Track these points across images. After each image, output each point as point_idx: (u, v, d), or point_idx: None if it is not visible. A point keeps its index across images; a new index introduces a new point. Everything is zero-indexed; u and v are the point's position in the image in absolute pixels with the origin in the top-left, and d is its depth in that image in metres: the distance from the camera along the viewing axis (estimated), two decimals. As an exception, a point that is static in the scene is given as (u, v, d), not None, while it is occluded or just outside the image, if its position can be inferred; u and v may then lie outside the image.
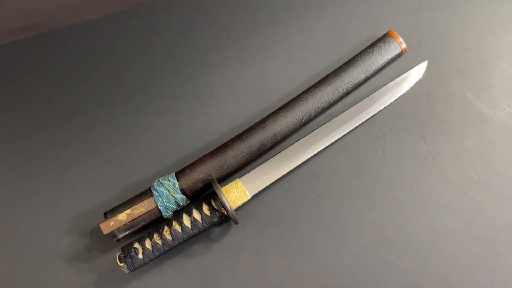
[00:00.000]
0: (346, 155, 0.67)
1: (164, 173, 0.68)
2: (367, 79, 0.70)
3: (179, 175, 0.66)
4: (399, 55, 0.71)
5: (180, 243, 0.62)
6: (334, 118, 0.68)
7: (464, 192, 0.63)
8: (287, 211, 0.65)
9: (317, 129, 0.67)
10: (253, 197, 0.64)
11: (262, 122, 0.68)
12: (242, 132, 0.68)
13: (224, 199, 0.61)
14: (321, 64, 0.73)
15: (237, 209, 0.65)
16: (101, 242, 0.66)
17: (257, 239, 0.65)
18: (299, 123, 0.68)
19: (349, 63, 0.70)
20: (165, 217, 0.65)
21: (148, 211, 0.65)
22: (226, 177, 0.68)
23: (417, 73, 0.70)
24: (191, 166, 0.67)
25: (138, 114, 0.74)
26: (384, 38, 0.71)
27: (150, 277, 0.63)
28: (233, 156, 0.67)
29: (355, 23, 0.75)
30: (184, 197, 0.65)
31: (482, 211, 0.62)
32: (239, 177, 0.65)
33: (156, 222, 0.65)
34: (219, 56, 0.77)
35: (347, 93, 0.70)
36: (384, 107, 0.68)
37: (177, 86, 0.75)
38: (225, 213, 0.61)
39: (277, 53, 0.75)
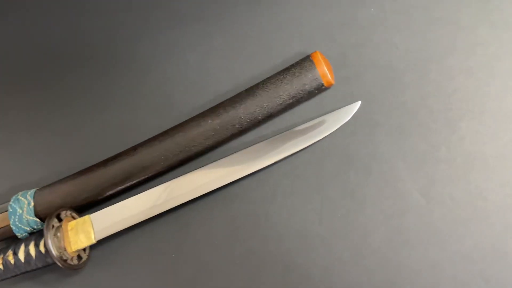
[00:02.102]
0: (223, 212, 0.52)
1: (40, 184, 0.60)
2: (269, 116, 0.52)
3: (39, 192, 0.57)
4: (320, 88, 0.50)
5: (12, 276, 0.54)
6: (217, 161, 0.52)
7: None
8: (140, 264, 0.54)
9: (195, 171, 0.53)
10: (109, 238, 0.53)
11: (133, 149, 0.56)
12: (110, 157, 0.56)
13: (49, 243, 0.51)
14: (232, 82, 0.57)
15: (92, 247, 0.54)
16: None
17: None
18: (174, 158, 0.54)
19: (249, 91, 0.53)
20: (19, 237, 0.57)
21: (2, 227, 0.58)
22: (88, 207, 0.57)
23: (339, 118, 0.50)
24: (52, 186, 0.58)
25: (36, 110, 0.65)
26: (303, 62, 0.51)
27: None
28: (95, 184, 0.56)
29: (288, 31, 0.56)
30: (39, 220, 0.56)
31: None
32: (95, 212, 0.54)
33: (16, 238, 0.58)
34: (130, 52, 0.63)
35: (242, 131, 0.53)
36: (283, 158, 0.50)
37: (85, 82, 0.64)
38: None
39: (190, 58, 0.60)
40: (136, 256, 0.55)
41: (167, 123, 0.57)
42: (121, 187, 0.56)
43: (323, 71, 0.50)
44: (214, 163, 0.53)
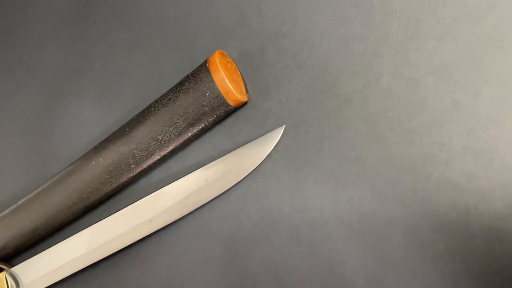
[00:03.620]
0: (132, 273, 0.40)
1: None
2: (170, 152, 0.37)
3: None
4: (226, 110, 0.34)
5: None
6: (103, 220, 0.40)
7: None
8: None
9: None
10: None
11: (35, 196, 0.45)
12: (15, 206, 0.47)
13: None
14: (131, 99, 0.42)
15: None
16: None
17: None
18: (75, 207, 0.43)
19: (140, 118, 0.38)
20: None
21: None
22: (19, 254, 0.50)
23: (255, 153, 0.34)
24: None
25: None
26: (198, 73, 0.34)
27: None
28: (7, 235, 0.47)
29: (193, 20, 0.38)
30: (-30, 269, 0.50)
31: None
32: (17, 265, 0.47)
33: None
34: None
35: (142, 172, 0.39)
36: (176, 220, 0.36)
37: None
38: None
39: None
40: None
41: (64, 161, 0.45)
42: (34, 239, 0.47)
43: (224, 85, 0.33)
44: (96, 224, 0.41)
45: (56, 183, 0.44)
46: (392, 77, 0.28)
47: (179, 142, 0.37)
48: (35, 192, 0.46)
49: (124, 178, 0.40)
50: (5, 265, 0.50)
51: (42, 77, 0.50)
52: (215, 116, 0.35)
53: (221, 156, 0.36)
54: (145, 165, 0.38)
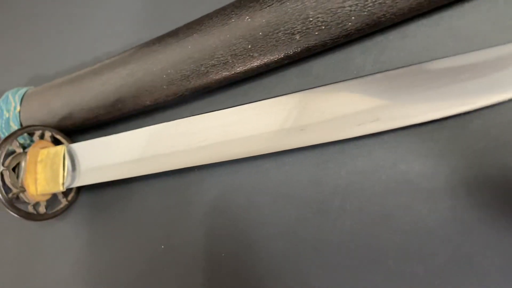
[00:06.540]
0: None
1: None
2: (375, 24, 0.21)
3: (29, 95, 0.40)
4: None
5: None
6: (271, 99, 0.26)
7: None
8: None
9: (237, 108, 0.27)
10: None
11: (128, 58, 0.32)
12: (100, 65, 0.34)
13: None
14: None
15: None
16: None
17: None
18: (183, 82, 0.30)
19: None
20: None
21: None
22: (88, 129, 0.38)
23: None
24: (43, 89, 0.39)
25: None
26: None
27: None
28: (82, 99, 0.35)
29: None
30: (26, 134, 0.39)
31: None
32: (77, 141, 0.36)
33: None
34: None
35: (306, 50, 0.24)
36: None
37: None
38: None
39: None
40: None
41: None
42: (112, 115, 0.34)
43: None
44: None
45: (167, 41, 0.29)
46: None
47: (398, 6, 0.21)
48: (130, 51, 0.32)
49: (273, 56, 0.25)
50: (65, 139, 0.38)
51: None
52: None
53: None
54: (319, 39, 0.23)
